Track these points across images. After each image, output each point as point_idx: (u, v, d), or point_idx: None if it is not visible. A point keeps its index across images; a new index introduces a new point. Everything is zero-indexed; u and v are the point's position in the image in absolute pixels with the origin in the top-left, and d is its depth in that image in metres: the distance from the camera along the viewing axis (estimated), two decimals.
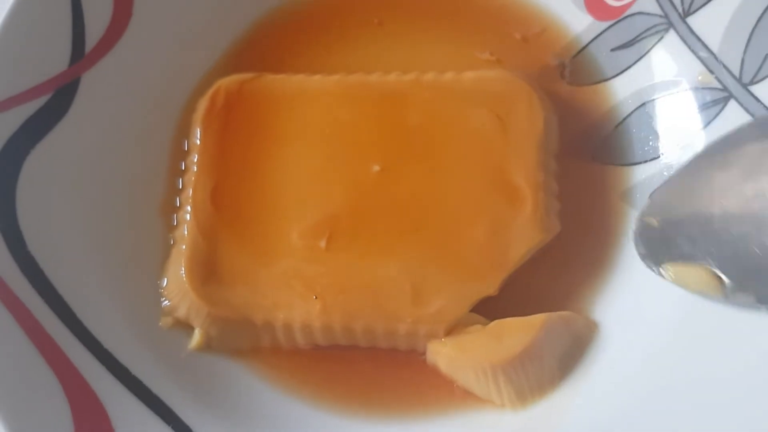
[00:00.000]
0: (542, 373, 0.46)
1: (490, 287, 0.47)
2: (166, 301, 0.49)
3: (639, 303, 0.47)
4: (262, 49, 0.56)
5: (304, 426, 0.47)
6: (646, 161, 0.50)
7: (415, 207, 0.48)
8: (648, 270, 0.45)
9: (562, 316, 0.47)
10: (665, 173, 0.49)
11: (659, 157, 0.50)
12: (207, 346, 0.49)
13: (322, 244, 0.48)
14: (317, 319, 0.47)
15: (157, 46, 0.53)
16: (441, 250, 0.47)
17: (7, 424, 0.41)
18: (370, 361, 0.49)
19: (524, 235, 0.47)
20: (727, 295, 0.42)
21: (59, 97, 0.49)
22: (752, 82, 0.46)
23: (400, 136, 0.50)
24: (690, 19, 0.48)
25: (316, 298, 0.47)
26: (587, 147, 0.51)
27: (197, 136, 0.52)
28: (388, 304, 0.46)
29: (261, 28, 0.57)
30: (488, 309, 0.47)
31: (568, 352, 0.46)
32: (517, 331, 0.45)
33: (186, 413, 0.46)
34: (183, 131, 0.53)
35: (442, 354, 0.47)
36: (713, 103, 0.47)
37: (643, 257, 0.46)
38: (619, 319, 0.47)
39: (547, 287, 0.49)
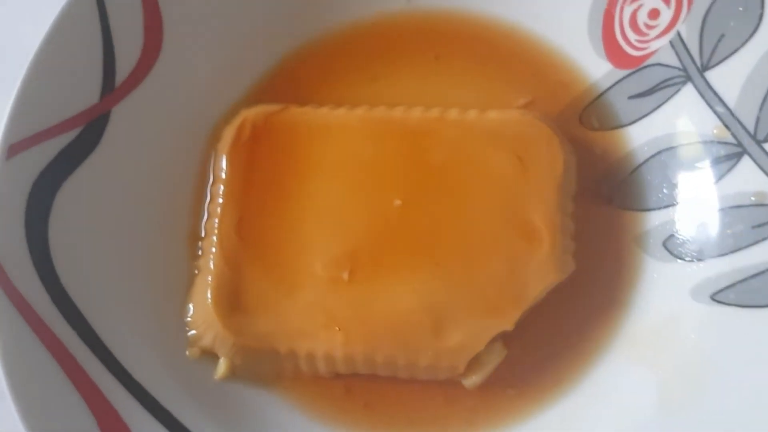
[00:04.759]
0: None
1: (507, 323, 0.48)
2: (192, 331, 0.51)
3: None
4: (291, 80, 0.57)
5: None
6: (660, 208, 0.52)
7: (435, 241, 0.50)
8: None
9: None
10: (678, 222, 0.51)
11: (673, 205, 0.51)
12: (232, 374, 0.50)
13: (345, 276, 0.49)
14: (340, 350, 0.48)
15: (186, 79, 0.54)
16: (460, 284, 0.49)
17: None
18: (392, 388, 0.51)
19: (541, 274, 0.49)
20: None
21: (90, 130, 0.50)
22: (766, 139, 0.48)
23: (422, 172, 0.51)
24: (708, 74, 0.49)
25: (339, 329, 0.48)
26: (603, 191, 0.53)
27: (223, 167, 0.52)
28: (408, 337, 0.48)
29: (292, 60, 0.58)
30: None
31: None
32: None
33: None
34: (207, 160, 0.55)
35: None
36: (727, 158, 0.49)
37: None
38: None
39: (559, 324, 0.51)
